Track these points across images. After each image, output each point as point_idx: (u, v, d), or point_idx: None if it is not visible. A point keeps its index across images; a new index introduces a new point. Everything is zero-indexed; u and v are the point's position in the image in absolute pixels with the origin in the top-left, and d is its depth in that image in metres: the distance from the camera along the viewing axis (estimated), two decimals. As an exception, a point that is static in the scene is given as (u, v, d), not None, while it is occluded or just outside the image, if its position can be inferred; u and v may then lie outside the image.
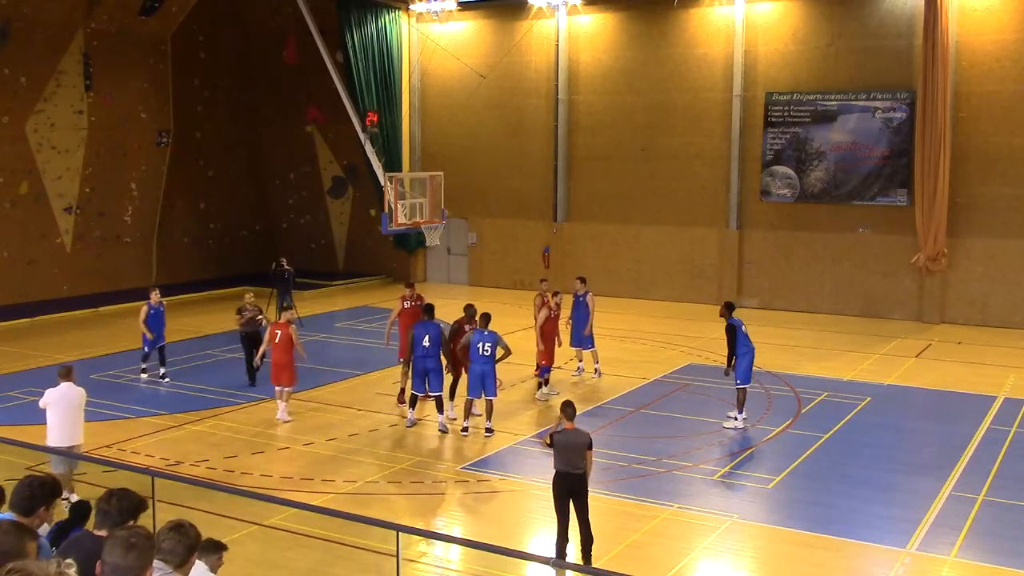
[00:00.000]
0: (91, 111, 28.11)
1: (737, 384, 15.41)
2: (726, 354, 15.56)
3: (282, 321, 16.26)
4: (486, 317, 15.28)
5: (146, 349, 18.52)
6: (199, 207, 32.55)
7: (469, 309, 15.96)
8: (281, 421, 15.66)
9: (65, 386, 11.94)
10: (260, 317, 18.82)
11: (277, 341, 15.92)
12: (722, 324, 15.69)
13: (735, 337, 15.31)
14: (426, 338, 15.00)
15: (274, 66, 33.09)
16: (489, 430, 15.04)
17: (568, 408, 10.51)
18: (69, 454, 11.75)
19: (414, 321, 16.53)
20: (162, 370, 18.56)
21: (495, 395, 15.11)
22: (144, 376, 18.58)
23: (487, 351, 14.79)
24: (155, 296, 18.52)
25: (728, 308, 15.72)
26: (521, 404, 17.07)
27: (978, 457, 14.10)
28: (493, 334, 14.97)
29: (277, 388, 16.04)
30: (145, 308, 18.28)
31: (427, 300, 17.22)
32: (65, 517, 7.05)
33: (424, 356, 14.99)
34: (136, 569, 4.41)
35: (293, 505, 11.02)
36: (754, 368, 15.66)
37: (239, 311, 19.03)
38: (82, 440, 12.08)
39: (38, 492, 5.83)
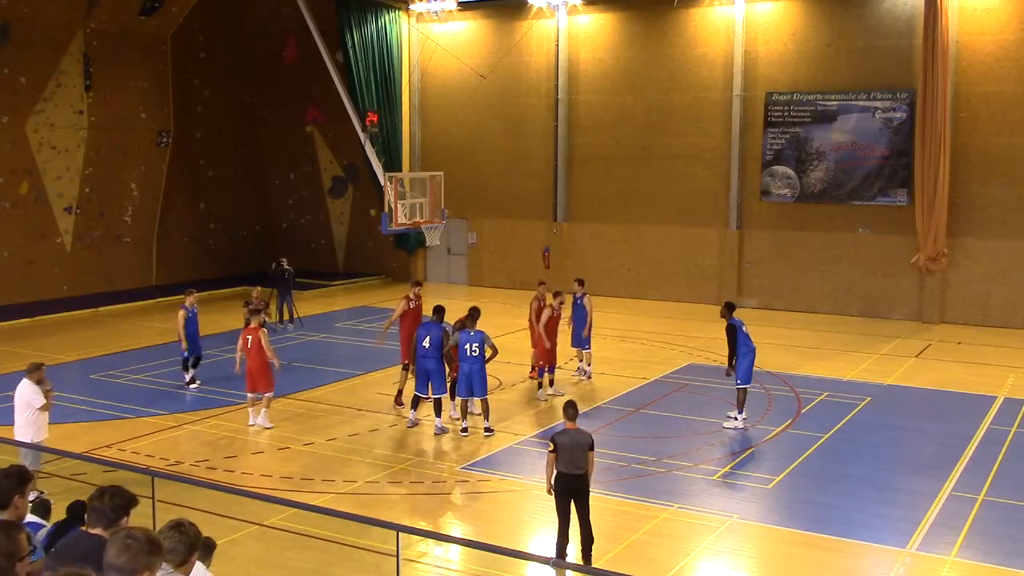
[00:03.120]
0: (91, 111, 28.12)
1: (737, 384, 15.41)
2: (727, 354, 15.56)
3: (253, 326, 15.63)
4: (474, 317, 15.24)
5: (186, 355, 18.10)
6: (199, 207, 32.56)
7: (474, 311, 15.78)
8: (262, 428, 15.36)
9: (22, 382, 12.09)
10: (262, 311, 18.85)
11: (249, 347, 15.39)
12: (722, 324, 15.69)
13: (736, 337, 15.31)
14: (427, 339, 14.99)
15: (274, 66, 33.11)
16: (488, 430, 15.03)
17: (570, 409, 10.51)
18: (29, 445, 11.69)
19: (416, 322, 16.58)
20: (192, 373, 18.25)
21: (485, 395, 15.10)
22: (194, 387, 17.95)
23: (475, 351, 14.80)
24: (191, 299, 18.23)
25: (728, 308, 15.72)
26: (521, 404, 17.06)
27: (978, 457, 14.10)
28: (480, 334, 14.95)
29: (251, 395, 15.54)
30: (183, 312, 17.88)
31: (424, 301, 17.27)
32: (64, 517, 7.06)
33: (424, 357, 14.98)
34: (128, 571, 4.39)
35: (293, 505, 11.02)
36: (754, 368, 15.65)
37: (247, 304, 19.40)
38: (31, 438, 11.83)
39: (4, 484, 5.81)
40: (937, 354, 21.52)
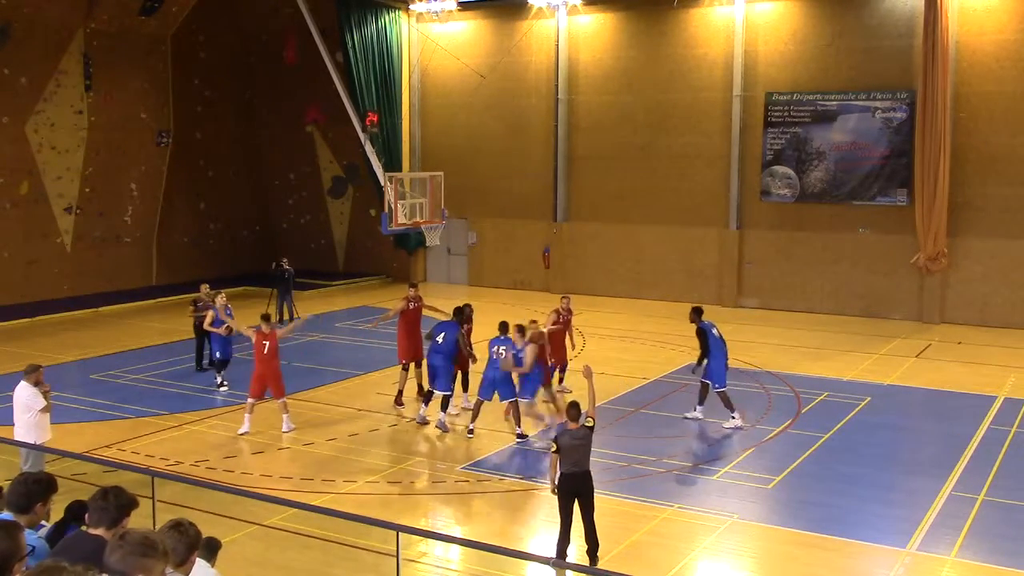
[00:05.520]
0: (91, 111, 28.11)
1: (715, 388, 15.43)
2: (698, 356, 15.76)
3: (265, 330, 15.26)
4: (504, 325, 15.15)
5: (217, 355, 17.94)
6: (199, 207, 32.55)
7: (466, 309, 16.18)
8: (284, 432, 15.20)
9: (19, 384, 12.03)
10: (210, 306, 18.46)
11: (265, 352, 15.06)
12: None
13: (707, 340, 15.41)
14: (441, 335, 15.30)
15: (274, 66, 33.10)
16: (521, 436, 14.76)
17: (572, 409, 10.52)
18: (30, 446, 11.65)
19: (413, 323, 16.82)
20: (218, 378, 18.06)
21: (513, 397, 14.83)
22: (224, 388, 17.72)
23: (501, 355, 14.73)
24: (220, 299, 17.89)
25: (696, 313, 15.85)
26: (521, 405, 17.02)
27: (978, 457, 14.10)
28: (508, 340, 14.80)
29: (251, 400, 15.16)
30: (211, 314, 17.66)
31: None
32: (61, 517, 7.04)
33: (434, 352, 15.28)
34: (119, 572, 4.38)
35: (293, 505, 11.02)
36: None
37: (194, 302, 19.22)
38: (35, 440, 11.75)
39: (33, 488, 5.84)
40: (937, 354, 21.52)
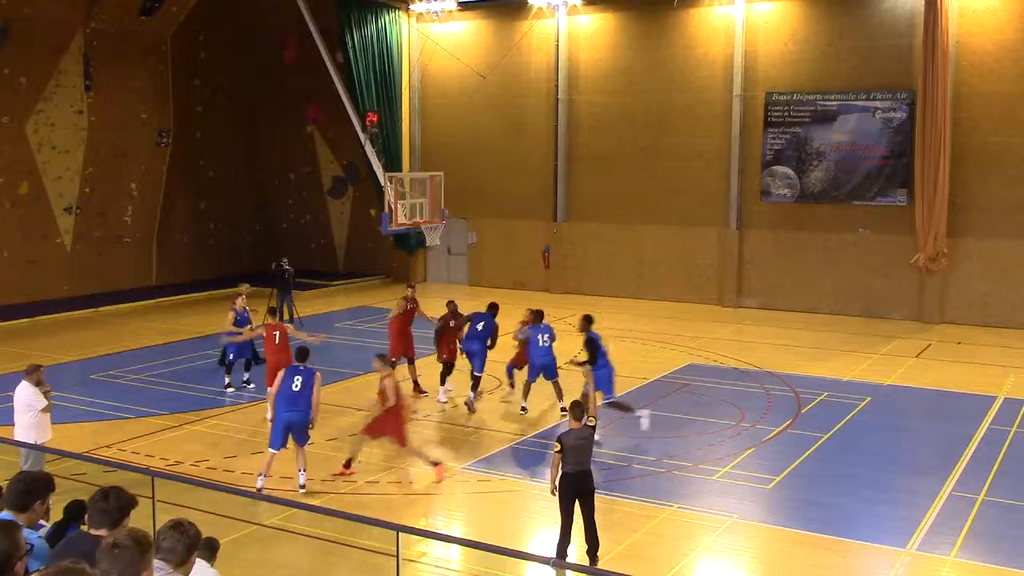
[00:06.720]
0: (91, 111, 28.10)
1: (607, 399, 14.98)
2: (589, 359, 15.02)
3: (271, 322, 15.80)
4: (540, 313, 16.41)
5: (231, 357, 17.70)
6: (199, 207, 32.55)
7: (451, 304, 17.38)
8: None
9: (20, 384, 12.04)
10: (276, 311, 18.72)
11: (277, 342, 15.57)
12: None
13: (596, 349, 14.84)
14: (481, 324, 16.70)
15: (274, 66, 33.09)
16: (563, 410, 15.47)
17: (576, 409, 10.55)
18: (31, 446, 11.63)
19: (407, 323, 17.60)
20: (245, 375, 17.89)
21: (555, 377, 16.10)
22: (231, 390, 17.64)
23: (546, 342, 15.98)
24: (240, 300, 17.74)
25: (587, 321, 15.38)
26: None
27: (978, 457, 14.10)
28: (549, 327, 16.25)
29: (270, 389, 15.55)
30: (232, 315, 17.47)
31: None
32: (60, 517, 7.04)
33: (470, 338, 16.70)
34: (111, 573, 4.39)
35: (293, 505, 11.02)
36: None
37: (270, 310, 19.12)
38: (35, 439, 11.73)
39: (32, 487, 5.85)
40: (937, 354, 21.52)
